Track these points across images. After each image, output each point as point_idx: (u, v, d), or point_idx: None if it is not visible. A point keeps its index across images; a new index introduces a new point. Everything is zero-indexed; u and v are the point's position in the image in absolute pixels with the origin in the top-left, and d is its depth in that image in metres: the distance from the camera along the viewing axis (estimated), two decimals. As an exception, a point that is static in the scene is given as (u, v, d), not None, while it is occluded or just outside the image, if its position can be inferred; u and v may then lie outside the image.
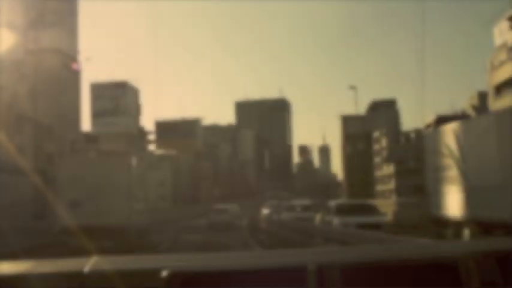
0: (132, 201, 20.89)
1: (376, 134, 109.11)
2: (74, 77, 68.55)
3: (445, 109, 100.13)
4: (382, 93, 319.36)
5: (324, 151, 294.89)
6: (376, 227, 18.72)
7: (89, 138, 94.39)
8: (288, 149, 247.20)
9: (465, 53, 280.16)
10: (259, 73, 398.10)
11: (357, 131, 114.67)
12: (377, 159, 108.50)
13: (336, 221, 20.24)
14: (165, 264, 2.13)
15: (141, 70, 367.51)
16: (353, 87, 53.45)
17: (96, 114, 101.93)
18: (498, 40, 53.78)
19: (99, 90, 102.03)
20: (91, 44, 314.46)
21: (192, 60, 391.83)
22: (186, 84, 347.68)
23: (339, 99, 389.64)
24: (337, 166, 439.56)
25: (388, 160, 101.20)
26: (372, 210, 23.63)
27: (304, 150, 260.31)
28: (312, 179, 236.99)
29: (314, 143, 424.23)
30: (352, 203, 30.47)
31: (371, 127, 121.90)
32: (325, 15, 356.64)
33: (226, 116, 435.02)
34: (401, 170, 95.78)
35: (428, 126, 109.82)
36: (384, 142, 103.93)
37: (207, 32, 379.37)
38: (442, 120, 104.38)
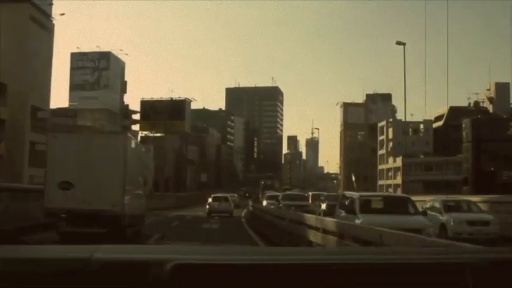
0: (130, 186, 18.40)
1: (381, 124, 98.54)
2: (45, 34, 57.11)
3: (462, 101, 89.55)
4: (380, 87, 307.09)
5: (312, 144, 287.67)
6: None
7: (62, 112, 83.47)
8: (278, 139, 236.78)
9: (483, 43, 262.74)
10: (252, 61, 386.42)
11: (358, 120, 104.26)
12: (381, 152, 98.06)
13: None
14: (172, 255, 2.07)
15: (128, 49, 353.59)
16: (401, 43, 44.22)
17: (75, 87, 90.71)
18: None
19: (80, 60, 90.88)
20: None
21: (183, 45, 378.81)
22: (175, 69, 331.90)
23: (332, 92, 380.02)
24: (325, 159, 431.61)
25: (394, 153, 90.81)
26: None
27: (293, 141, 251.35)
28: (300, 171, 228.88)
29: (302, 135, 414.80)
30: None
31: (371, 118, 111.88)
32: (321, 5, 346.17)
33: (216, 103, 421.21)
34: (410, 164, 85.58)
35: (438, 118, 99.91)
36: (390, 133, 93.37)
37: (200, 17, 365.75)
38: (454, 112, 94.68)
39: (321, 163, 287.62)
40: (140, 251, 2.45)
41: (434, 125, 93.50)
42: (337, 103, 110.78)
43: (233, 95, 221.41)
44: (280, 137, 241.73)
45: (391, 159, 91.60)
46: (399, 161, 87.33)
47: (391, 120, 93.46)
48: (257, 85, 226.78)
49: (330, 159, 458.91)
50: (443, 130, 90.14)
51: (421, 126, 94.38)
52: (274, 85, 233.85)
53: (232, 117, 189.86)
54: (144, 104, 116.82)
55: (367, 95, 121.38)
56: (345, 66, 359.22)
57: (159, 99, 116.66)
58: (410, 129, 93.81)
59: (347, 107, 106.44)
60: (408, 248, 4.25)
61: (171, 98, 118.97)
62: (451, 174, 78.58)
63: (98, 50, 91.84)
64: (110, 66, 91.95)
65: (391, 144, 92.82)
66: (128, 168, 17.87)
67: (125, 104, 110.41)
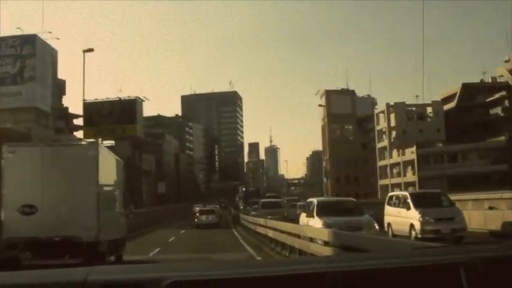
0: (106, 205, 15.14)
1: (378, 110, 78.50)
2: None
3: (474, 78, 70.14)
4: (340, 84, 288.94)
5: (271, 151, 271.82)
6: None
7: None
8: (239, 147, 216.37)
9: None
10: (208, 65, 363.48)
11: (344, 111, 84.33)
12: (380, 144, 77.97)
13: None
14: (167, 273, 2.11)
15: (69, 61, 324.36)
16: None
17: (-10, 81, 68.02)
18: None
19: (-4, 46, 68.35)
20: None
21: (134, 51, 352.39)
22: (122, 74, 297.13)
23: (293, 93, 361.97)
24: (285, 166, 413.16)
25: (399, 144, 70.80)
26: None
27: (255, 149, 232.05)
28: (262, 180, 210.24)
29: (262, 141, 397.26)
30: None
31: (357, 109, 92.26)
32: (278, 8, 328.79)
33: (171, 111, 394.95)
34: (428, 156, 65.70)
35: (447, 98, 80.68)
36: (392, 120, 73.21)
37: (149, 18, 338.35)
38: (468, 89, 75.55)
39: (280, 171, 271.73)
40: (135, 270, 2.32)
41: (445, 108, 73.98)
42: (318, 91, 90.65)
43: (189, 102, 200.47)
44: (241, 145, 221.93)
45: (395, 152, 71.51)
46: (410, 153, 67.15)
47: (392, 103, 73.31)
48: (214, 90, 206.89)
49: (291, 164, 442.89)
50: (457, 112, 70.66)
51: (428, 109, 74.59)
52: (232, 90, 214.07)
53: (190, 123, 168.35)
54: (87, 106, 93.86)
55: (327, 91, 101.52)
56: (305, 66, 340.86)
57: (105, 99, 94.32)
58: (414, 115, 73.96)
59: (330, 95, 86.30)
60: (402, 253, 3.89)
61: (119, 98, 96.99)
62: (486, 165, 59.22)
63: (19, 33, 69.55)
64: (37, 53, 69.56)
65: (393, 133, 72.81)
66: (102, 184, 14.80)
67: (64, 106, 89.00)
